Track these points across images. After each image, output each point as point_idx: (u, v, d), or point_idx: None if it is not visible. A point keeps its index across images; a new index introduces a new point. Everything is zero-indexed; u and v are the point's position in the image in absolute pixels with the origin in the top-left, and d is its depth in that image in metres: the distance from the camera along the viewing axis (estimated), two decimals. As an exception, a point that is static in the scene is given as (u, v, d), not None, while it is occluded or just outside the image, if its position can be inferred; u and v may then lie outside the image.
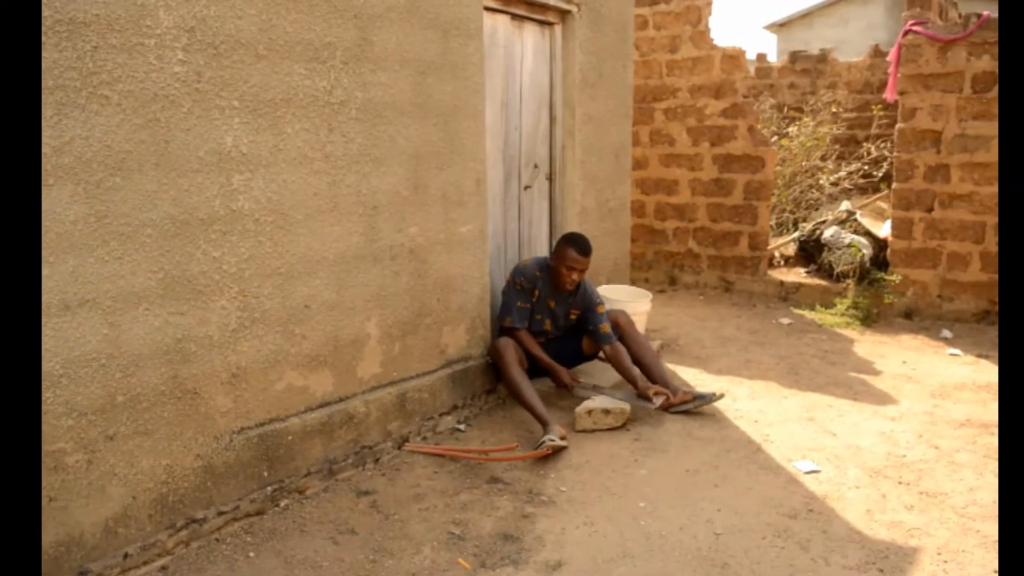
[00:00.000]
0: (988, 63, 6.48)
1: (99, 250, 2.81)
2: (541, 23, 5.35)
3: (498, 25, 4.94)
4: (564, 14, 5.46)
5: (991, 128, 6.53)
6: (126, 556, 2.98)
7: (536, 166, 5.46)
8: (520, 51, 5.18)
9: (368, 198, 3.86)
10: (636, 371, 4.73)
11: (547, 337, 4.90)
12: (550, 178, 5.64)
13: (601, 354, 4.91)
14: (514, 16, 5.06)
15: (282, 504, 3.52)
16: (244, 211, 3.29)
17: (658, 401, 4.59)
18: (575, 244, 4.64)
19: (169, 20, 2.96)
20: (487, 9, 4.73)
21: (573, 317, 4.89)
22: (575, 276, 4.64)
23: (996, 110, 6.48)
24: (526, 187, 5.39)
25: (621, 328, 4.87)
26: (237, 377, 3.33)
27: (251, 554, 3.16)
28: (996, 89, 6.46)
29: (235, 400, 3.33)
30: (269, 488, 3.48)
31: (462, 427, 4.47)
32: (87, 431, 2.84)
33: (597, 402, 4.46)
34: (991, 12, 6.66)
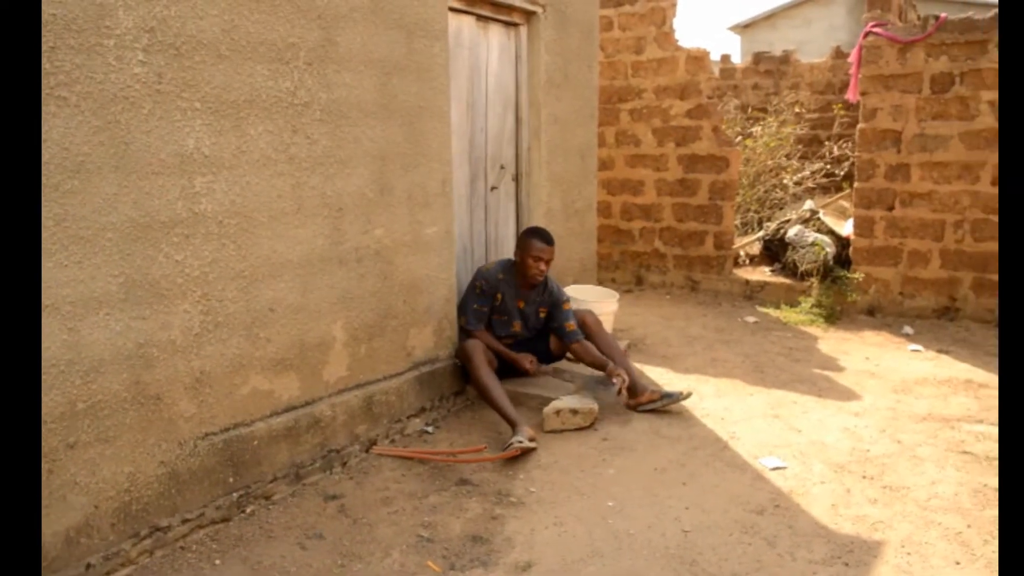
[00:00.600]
0: (946, 64, 6.60)
1: (58, 254, 2.77)
2: (506, 24, 5.36)
3: (463, 26, 4.93)
4: (529, 15, 5.47)
5: (949, 128, 6.64)
6: (88, 567, 2.93)
7: (502, 167, 5.46)
8: (485, 52, 5.18)
9: (333, 200, 3.84)
10: (604, 357, 4.74)
11: (517, 339, 4.91)
12: (516, 179, 5.65)
13: (569, 353, 4.92)
14: (479, 17, 5.06)
15: (248, 510, 3.49)
16: (207, 214, 3.26)
17: (616, 383, 4.57)
18: (538, 235, 4.72)
19: (129, 20, 2.93)
20: (452, 10, 4.72)
21: (543, 315, 4.91)
22: (542, 266, 4.69)
23: (954, 110, 6.61)
24: (492, 188, 5.39)
25: (588, 328, 4.89)
26: (201, 382, 3.29)
27: (217, 562, 3.13)
28: (954, 89, 6.58)
29: (199, 405, 3.30)
30: (235, 494, 3.45)
31: (430, 429, 4.46)
32: (47, 440, 2.80)
33: (565, 402, 4.47)
34: (948, 14, 6.78)
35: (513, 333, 4.87)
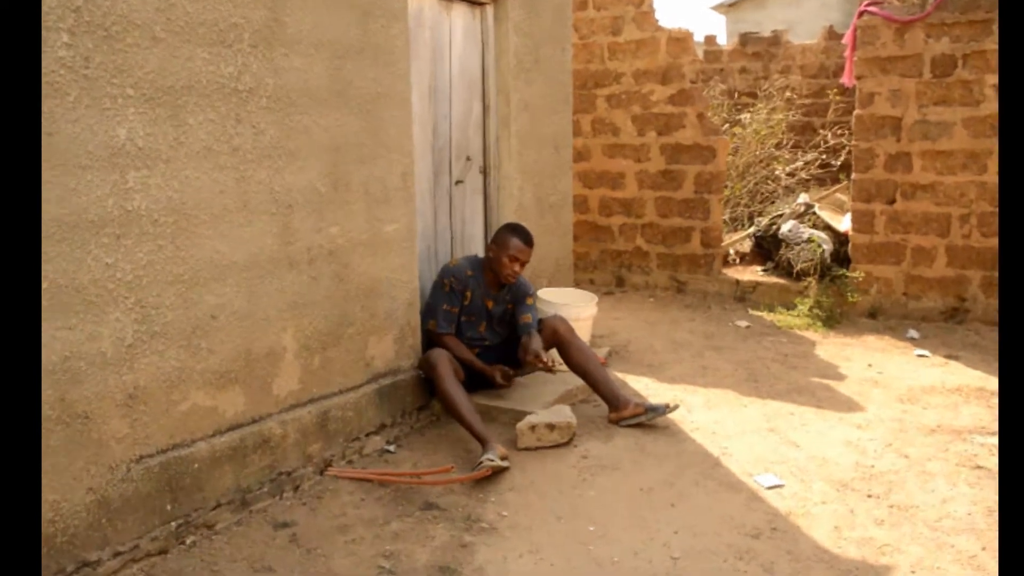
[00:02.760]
0: (947, 45, 6.69)
1: (-28, 258, 2.72)
2: (471, 3, 5.36)
3: (424, 5, 4.93)
4: (496, -8, 5.48)
5: (953, 114, 6.74)
6: (9, 607, 2.88)
7: (469, 159, 5.46)
8: (448, 33, 5.18)
9: (282, 196, 3.83)
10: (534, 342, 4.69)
11: (483, 344, 4.92)
12: (484, 171, 5.65)
13: (548, 360, 4.82)
14: (441, -6, 5.06)
15: (189, 541, 3.45)
16: (141, 212, 3.23)
17: (531, 360, 4.60)
18: (519, 233, 4.76)
19: (51, -3, 2.90)
20: (411, -14, 4.73)
21: (510, 312, 4.95)
22: (517, 268, 4.74)
23: (957, 95, 6.71)
24: (458, 182, 5.39)
25: (560, 336, 4.90)
26: (135, 398, 3.26)
27: (155, 599, 3.10)
28: (957, 73, 6.68)
29: (132, 424, 3.26)
30: (174, 523, 3.42)
31: (392, 448, 4.45)
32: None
33: (541, 416, 4.47)
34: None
35: (480, 336, 4.89)
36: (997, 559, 3.28)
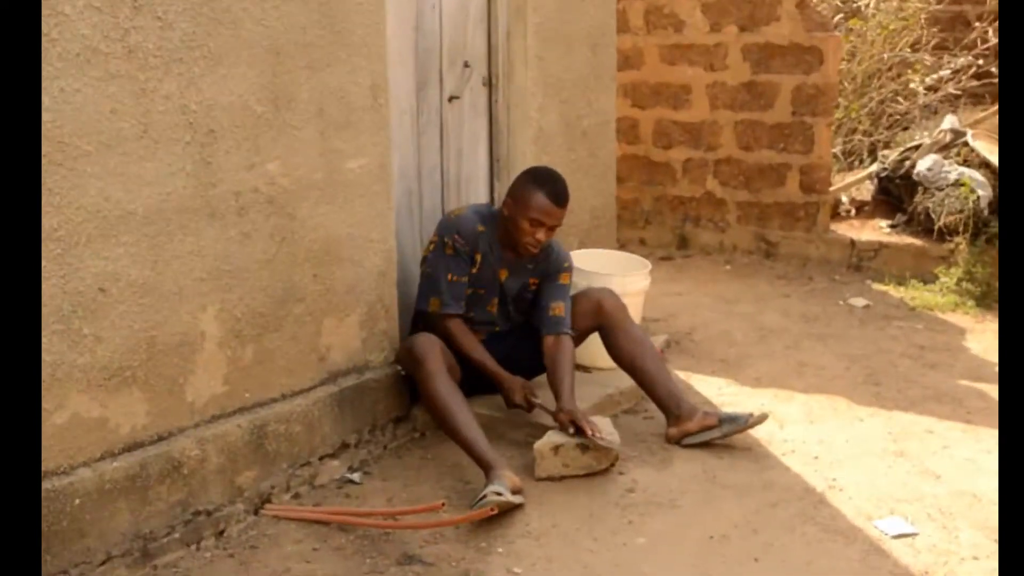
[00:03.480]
0: None
1: None
2: None
3: None
4: None
5: None
6: None
7: (467, 65, 5.43)
8: None
9: (200, 117, 3.80)
10: (564, 385, 4.65)
11: (492, 330, 4.92)
12: (489, 84, 5.62)
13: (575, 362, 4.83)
14: None
15: (66, 613, 3.47)
16: (-4, 140, 3.22)
17: (570, 435, 4.49)
18: (547, 184, 4.65)
19: None
20: None
21: (533, 290, 4.93)
22: (541, 235, 4.64)
23: None
24: (452, 98, 5.37)
25: (606, 315, 4.89)
26: (-10, 406, 3.26)
27: None
28: None
29: (-15, 444, 3.26)
30: (45, 585, 3.43)
31: (356, 477, 4.45)
32: None
33: (568, 434, 4.45)
34: None
35: (488, 319, 4.89)
36: None
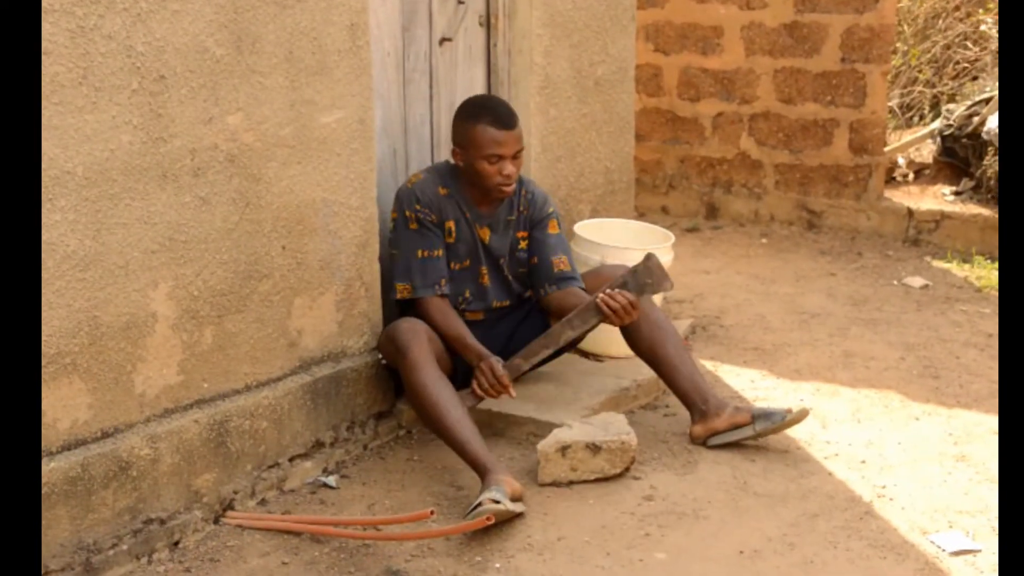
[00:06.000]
0: None
1: None
2: None
3: None
4: None
5: None
6: None
7: (461, 1, 5.35)
8: None
9: (148, 60, 3.69)
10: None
11: (489, 308, 4.85)
12: (487, 23, 5.53)
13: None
14: None
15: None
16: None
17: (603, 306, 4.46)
18: (485, 113, 4.62)
19: None
20: None
21: (524, 247, 4.87)
22: (508, 169, 4.59)
23: None
24: (443, 40, 5.28)
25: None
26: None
27: None
28: None
29: None
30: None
31: (332, 481, 4.39)
32: None
33: (578, 432, 4.36)
34: None
35: (481, 295, 4.82)
36: None
